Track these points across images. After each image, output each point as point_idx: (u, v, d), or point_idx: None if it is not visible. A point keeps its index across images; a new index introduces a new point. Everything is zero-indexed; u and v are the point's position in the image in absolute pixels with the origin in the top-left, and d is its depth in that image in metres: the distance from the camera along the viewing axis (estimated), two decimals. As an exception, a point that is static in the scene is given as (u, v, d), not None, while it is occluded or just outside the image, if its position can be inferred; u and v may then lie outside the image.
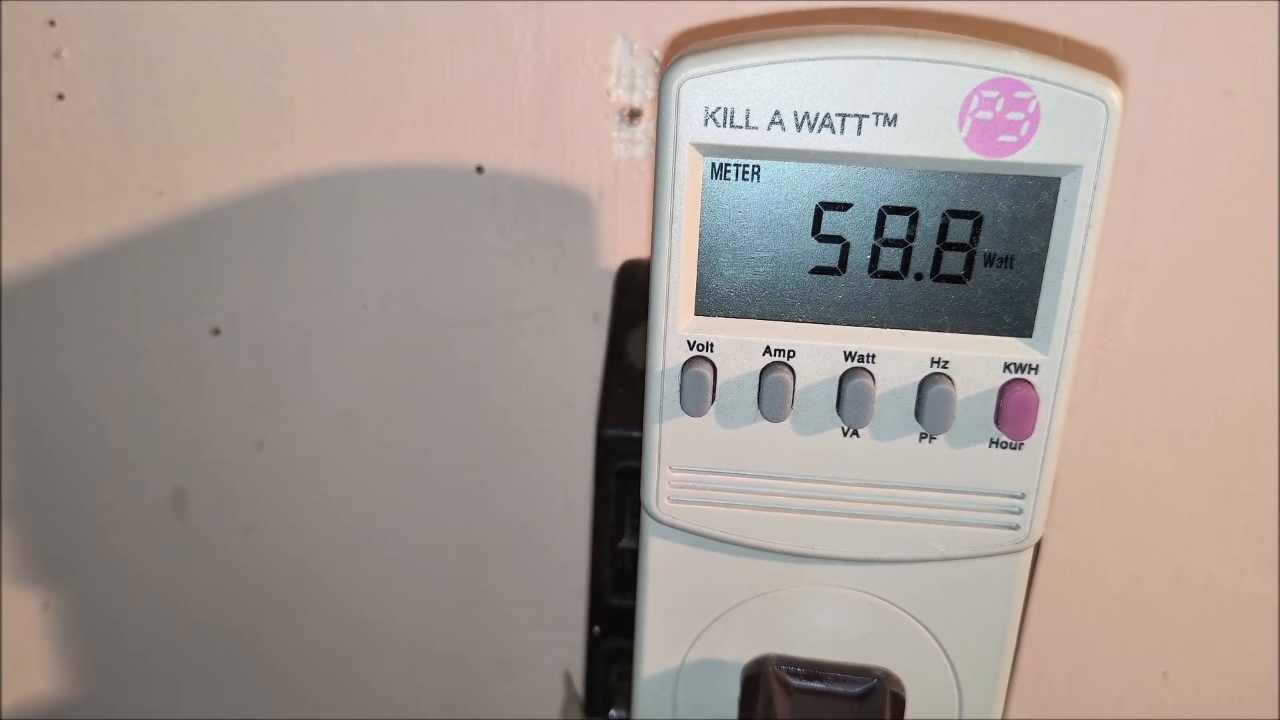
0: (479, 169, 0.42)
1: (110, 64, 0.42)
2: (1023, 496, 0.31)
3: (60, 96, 0.43)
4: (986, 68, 0.27)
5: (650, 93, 0.40)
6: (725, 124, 0.28)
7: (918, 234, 0.29)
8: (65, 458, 0.50)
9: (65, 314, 0.46)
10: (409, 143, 0.42)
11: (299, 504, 0.49)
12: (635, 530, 0.40)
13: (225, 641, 0.53)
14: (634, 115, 0.41)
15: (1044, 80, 0.27)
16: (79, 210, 0.44)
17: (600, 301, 0.43)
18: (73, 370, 0.48)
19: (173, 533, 0.51)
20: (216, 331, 0.46)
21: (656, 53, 0.40)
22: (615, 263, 0.43)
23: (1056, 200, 0.28)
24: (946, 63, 0.27)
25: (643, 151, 0.41)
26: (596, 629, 0.42)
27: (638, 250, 0.43)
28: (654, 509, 0.32)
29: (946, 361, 0.30)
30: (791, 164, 0.29)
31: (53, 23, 0.42)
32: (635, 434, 0.34)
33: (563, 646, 0.50)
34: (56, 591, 0.53)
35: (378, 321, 0.45)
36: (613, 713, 0.43)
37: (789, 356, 0.30)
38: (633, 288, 0.42)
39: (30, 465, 0.50)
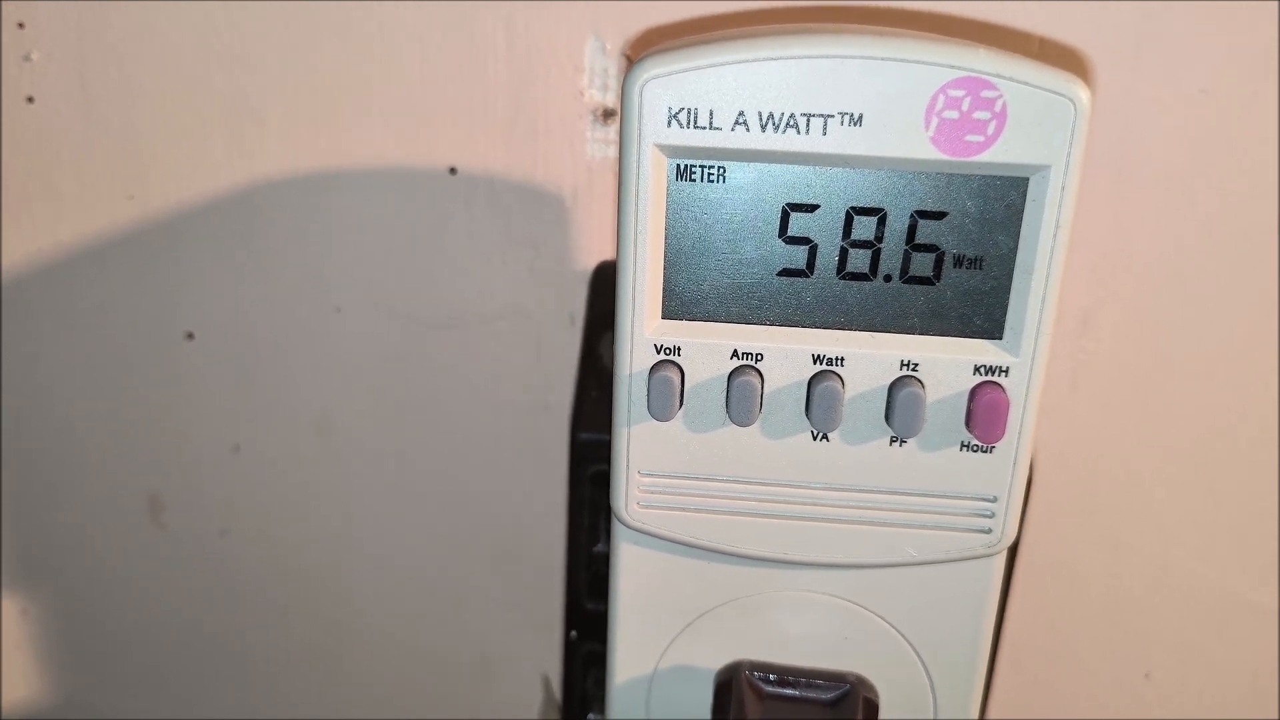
0: (452, 170, 0.42)
1: (80, 67, 0.42)
2: (994, 500, 0.30)
3: (30, 99, 0.42)
4: (952, 66, 0.26)
5: (623, 92, 0.40)
6: (689, 125, 0.27)
7: (886, 235, 0.29)
8: (40, 463, 0.49)
9: (37, 319, 0.46)
10: (381, 144, 0.42)
11: (275, 507, 0.49)
12: (610, 534, 0.39)
13: (204, 645, 0.53)
14: (607, 115, 0.40)
15: (1011, 79, 0.26)
16: (50, 214, 0.44)
17: (575, 303, 0.43)
18: (46, 375, 0.47)
19: (150, 536, 0.50)
20: (190, 335, 0.46)
21: (629, 52, 0.39)
22: (590, 264, 0.43)
23: (1025, 200, 0.28)
24: (912, 61, 0.26)
25: (616, 151, 0.41)
26: (573, 633, 0.42)
27: (613, 251, 0.42)
28: (623, 514, 0.32)
29: (916, 364, 0.29)
30: (757, 165, 0.28)
31: (21, 25, 0.41)
32: (609, 438, 0.33)
33: (541, 649, 0.50)
34: (35, 596, 0.53)
35: (352, 324, 0.45)
36: (590, 717, 0.43)
37: (757, 360, 0.30)
38: (608, 289, 0.42)
39: (5, 471, 0.50)
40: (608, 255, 0.42)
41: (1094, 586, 0.46)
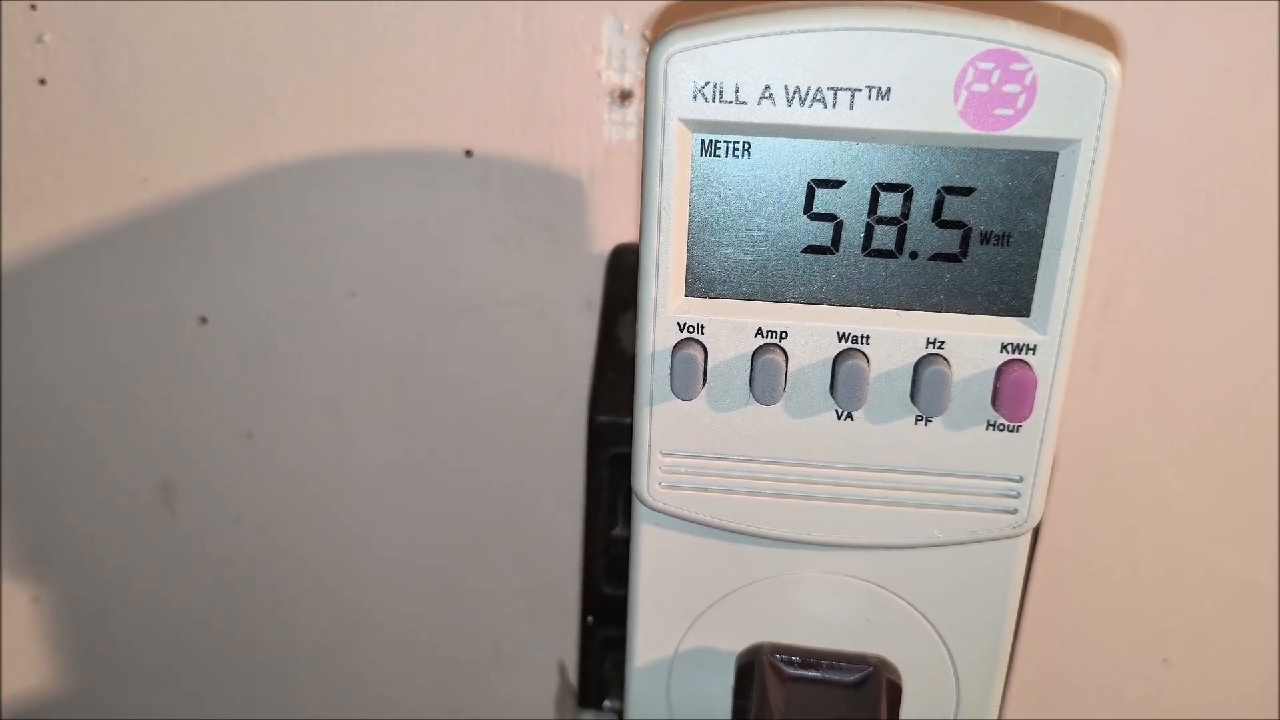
0: (468, 153, 0.41)
1: (92, 48, 0.41)
2: (1020, 480, 0.30)
3: (42, 82, 0.42)
4: (982, 39, 0.26)
5: (641, 73, 0.40)
6: (714, 99, 0.27)
7: (912, 211, 0.28)
8: (51, 449, 0.49)
9: (50, 303, 0.46)
10: (396, 127, 0.41)
11: (288, 494, 0.49)
12: (628, 518, 0.39)
13: (215, 633, 0.53)
14: (625, 96, 0.40)
15: (1041, 52, 0.26)
16: (62, 198, 0.44)
17: (592, 287, 0.43)
18: (58, 360, 0.47)
19: (161, 524, 0.50)
20: (204, 320, 0.46)
21: (647, 32, 0.39)
22: (607, 247, 0.42)
23: (1054, 175, 0.27)
24: (940, 34, 0.26)
25: (634, 133, 0.40)
26: (590, 618, 0.42)
27: (630, 234, 0.42)
28: (645, 495, 0.32)
29: (942, 342, 0.29)
30: (783, 140, 0.28)
31: (34, 7, 0.41)
32: (627, 421, 0.33)
33: (557, 636, 0.50)
34: (45, 584, 0.52)
35: (367, 309, 0.45)
36: (607, 703, 0.43)
37: (781, 338, 0.29)
38: (625, 272, 0.42)
39: (16, 457, 0.49)
40: (625, 238, 0.42)
41: (1112, 571, 0.46)
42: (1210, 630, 0.46)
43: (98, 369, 0.47)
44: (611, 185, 0.41)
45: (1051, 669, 0.48)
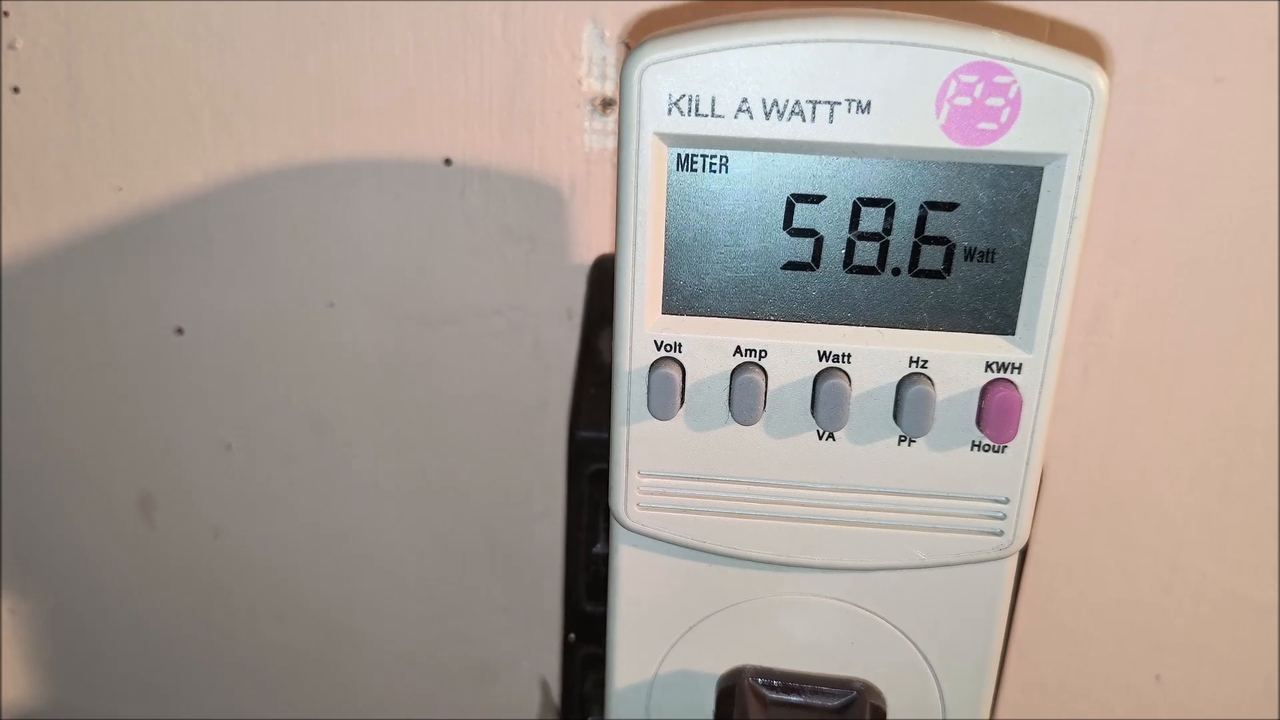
0: (447, 161, 0.41)
1: (66, 56, 0.41)
2: (1006, 501, 0.30)
3: (15, 90, 0.41)
4: (964, 51, 0.25)
5: (623, 81, 0.39)
6: (690, 113, 0.26)
7: (894, 227, 0.28)
8: (27, 460, 0.48)
9: (24, 314, 0.45)
10: (374, 135, 0.41)
11: (268, 506, 0.48)
12: (609, 535, 0.39)
13: (195, 647, 0.52)
14: (606, 105, 0.39)
15: (1025, 64, 0.25)
16: (35, 206, 0.43)
17: (573, 298, 0.42)
18: (32, 371, 0.46)
19: (140, 536, 0.49)
20: (180, 331, 0.45)
21: (628, 40, 0.38)
22: (588, 258, 0.42)
23: (1039, 191, 0.27)
24: (922, 45, 0.25)
25: (615, 142, 0.40)
26: (571, 636, 0.41)
27: (612, 244, 0.41)
28: (623, 516, 0.31)
29: (925, 361, 0.28)
30: (761, 154, 0.27)
31: (6, 12, 0.40)
32: (608, 436, 0.33)
33: (539, 651, 0.49)
34: (21, 596, 0.52)
35: (345, 320, 0.44)
36: (589, 721, 0.42)
37: (761, 356, 0.29)
38: (607, 283, 0.41)
39: (-9, 469, 0.49)
40: (606, 249, 0.41)
41: (1104, 586, 0.45)
42: (1203, 647, 0.46)
43: (73, 380, 0.46)
44: (592, 195, 0.41)
45: (1042, 684, 0.48)
